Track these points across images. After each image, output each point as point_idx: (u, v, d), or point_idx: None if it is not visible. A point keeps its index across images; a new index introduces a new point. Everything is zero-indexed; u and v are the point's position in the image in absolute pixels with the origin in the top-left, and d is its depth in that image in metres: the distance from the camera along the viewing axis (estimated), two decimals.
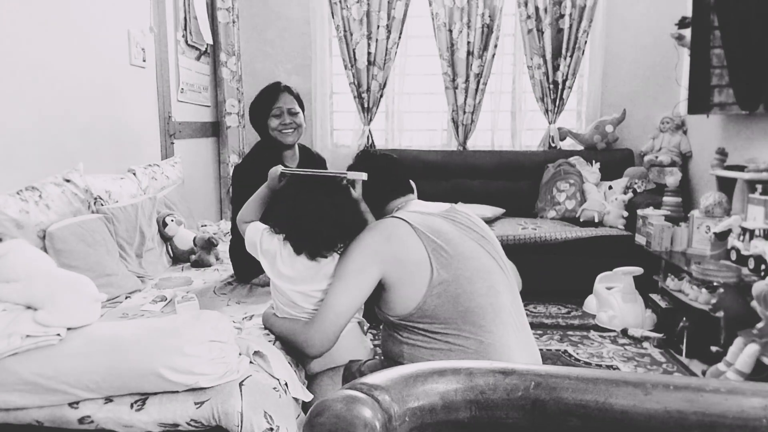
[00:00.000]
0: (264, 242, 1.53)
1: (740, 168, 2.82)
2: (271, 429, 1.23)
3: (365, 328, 1.70)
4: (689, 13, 3.18)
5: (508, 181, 3.84)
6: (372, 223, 1.51)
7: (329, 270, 1.49)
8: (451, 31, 3.87)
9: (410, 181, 1.66)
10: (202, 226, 2.98)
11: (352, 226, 1.49)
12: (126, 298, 1.94)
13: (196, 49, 3.53)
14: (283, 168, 1.60)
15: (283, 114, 2.06)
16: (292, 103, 2.10)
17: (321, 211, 1.45)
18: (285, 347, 1.56)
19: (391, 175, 1.64)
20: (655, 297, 2.90)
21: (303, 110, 2.15)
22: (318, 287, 1.49)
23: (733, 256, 2.48)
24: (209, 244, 2.47)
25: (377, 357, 1.66)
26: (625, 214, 3.36)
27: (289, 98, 2.10)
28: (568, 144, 4.02)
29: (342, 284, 1.42)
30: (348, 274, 1.42)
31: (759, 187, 2.56)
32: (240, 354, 1.36)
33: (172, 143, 3.17)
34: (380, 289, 1.43)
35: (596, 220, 3.40)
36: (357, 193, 1.57)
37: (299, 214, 1.48)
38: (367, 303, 1.51)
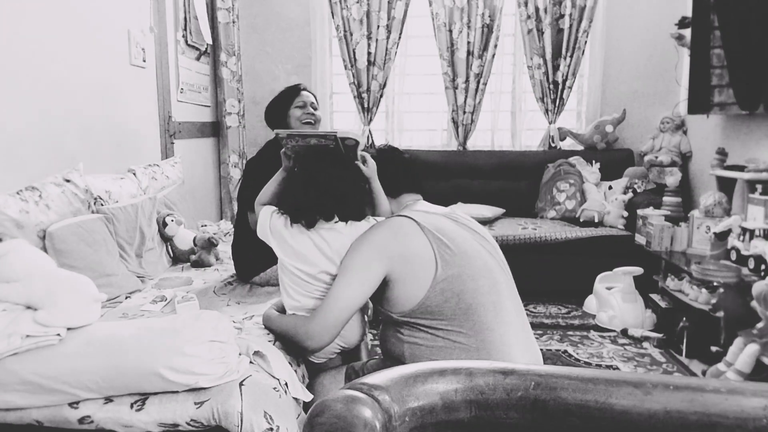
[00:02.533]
0: (273, 221, 1.57)
1: (740, 168, 2.82)
2: (271, 429, 1.23)
3: (368, 310, 1.71)
4: (689, 13, 3.18)
5: (508, 181, 3.84)
6: (379, 221, 1.53)
7: (336, 249, 1.50)
8: (451, 31, 3.87)
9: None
10: (202, 226, 2.98)
11: (348, 197, 1.52)
12: (126, 298, 1.94)
13: (196, 49, 3.53)
14: (277, 130, 1.67)
15: (307, 105, 2.17)
16: (314, 99, 2.22)
17: (313, 180, 1.52)
18: (285, 346, 1.56)
19: (410, 170, 1.68)
20: (655, 297, 2.90)
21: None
22: (326, 269, 1.51)
23: (733, 256, 2.48)
24: (209, 244, 2.47)
25: (378, 357, 1.66)
26: (625, 214, 3.36)
27: (310, 95, 2.21)
28: (568, 144, 4.02)
29: (347, 278, 1.43)
30: (354, 268, 1.43)
31: (759, 187, 2.56)
32: (240, 354, 1.36)
33: (172, 143, 3.17)
34: (383, 286, 1.44)
35: (596, 220, 3.40)
36: (368, 170, 1.60)
37: (294, 185, 1.56)
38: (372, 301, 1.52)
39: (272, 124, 2.18)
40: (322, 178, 1.52)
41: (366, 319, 1.69)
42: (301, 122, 2.14)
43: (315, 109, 2.19)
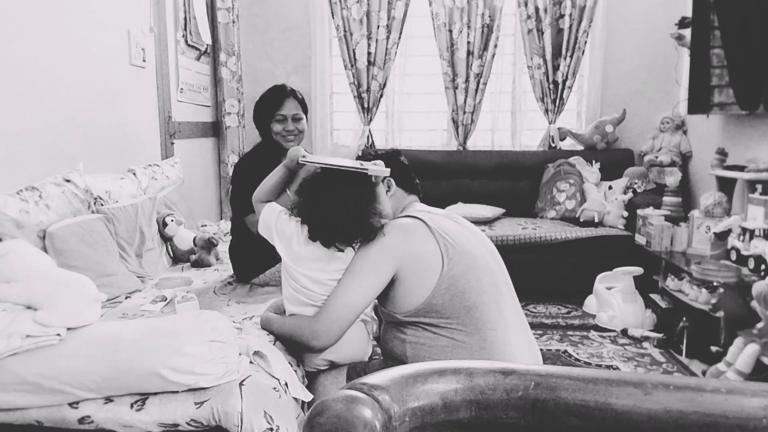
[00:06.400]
0: (280, 223, 1.51)
1: (740, 168, 2.82)
2: (271, 429, 1.23)
3: (373, 328, 1.68)
4: (689, 13, 3.18)
5: (508, 181, 3.84)
6: (387, 223, 1.50)
7: (345, 257, 1.46)
8: (451, 31, 3.87)
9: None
10: (202, 226, 2.98)
11: (369, 221, 1.43)
12: (126, 298, 1.94)
13: (196, 49, 3.52)
14: (303, 156, 1.52)
15: (287, 120, 2.05)
16: (297, 109, 2.08)
17: (344, 205, 1.40)
18: (285, 346, 1.56)
19: (411, 172, 1.67)
20: (655, 297, 2.90)
21: (306, 113, 2.13)
22: (332, 277, 1.46)
23: (733, 256, 2.47)
24: (209, 244, 2.46)
25: (378, 357, 1.66)
26: (625, 214, 3.36)
27: (294, 104, 2.07)
28: (568, 144, 4.02)
29: (355, 279, 1.42)
30: (363, 269, 1.42)
31: (759, 187, 2.56)
32: (240, 354, 1.36)
33: (172, 143, 3.17)
34: (388, 286, 1.44)
35: (596, 220, 3.40)
36: (381, 189, 1.52)
37: (322, 204, 1.42)
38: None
39: (259, 128, 2.12)
40: (353, 201, 1.40)
41: (371, 337, 1.67)
42: (282, 137, 2.04)
43: (298, 120, 2.06)
